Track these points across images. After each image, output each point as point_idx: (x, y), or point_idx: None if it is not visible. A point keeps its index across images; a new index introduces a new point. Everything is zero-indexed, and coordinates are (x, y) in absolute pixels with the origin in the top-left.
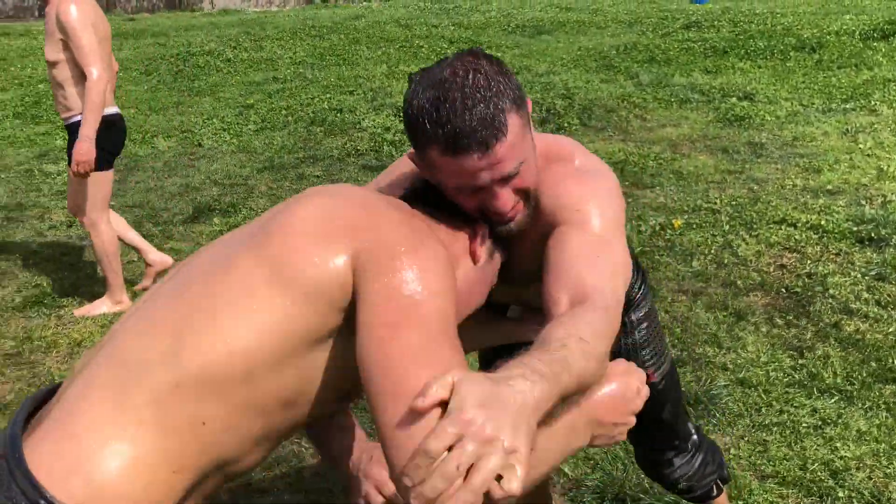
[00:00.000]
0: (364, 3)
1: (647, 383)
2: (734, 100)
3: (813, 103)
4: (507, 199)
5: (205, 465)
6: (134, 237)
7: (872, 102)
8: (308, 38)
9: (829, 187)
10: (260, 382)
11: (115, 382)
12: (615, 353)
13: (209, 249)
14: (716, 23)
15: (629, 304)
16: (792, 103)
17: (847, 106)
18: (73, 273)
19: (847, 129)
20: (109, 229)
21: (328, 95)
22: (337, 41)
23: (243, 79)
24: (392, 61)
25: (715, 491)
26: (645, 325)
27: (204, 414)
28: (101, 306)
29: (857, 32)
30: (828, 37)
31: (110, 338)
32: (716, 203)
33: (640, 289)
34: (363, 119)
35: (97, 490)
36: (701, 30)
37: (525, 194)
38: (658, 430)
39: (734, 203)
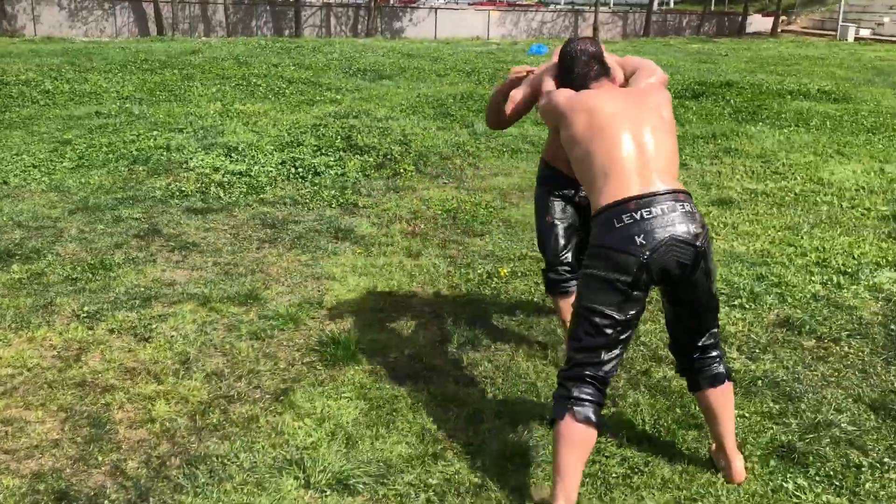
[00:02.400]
0: (203, 38)
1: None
2: None
3: None
4: None
5: None
6: None
7: (683, 157)
8: (139, 72)
9: None
10: None
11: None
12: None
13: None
14: None
15: None
16: None
17: None
18: None
19: None
20: None
21: (155, 133)
22: (170, 76)
23: (62, 112)
24: (227, 99)
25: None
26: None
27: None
28: None
29: (672, 91)
30: None
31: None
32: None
33: None
34: (191, 158)
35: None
36: None
37: None
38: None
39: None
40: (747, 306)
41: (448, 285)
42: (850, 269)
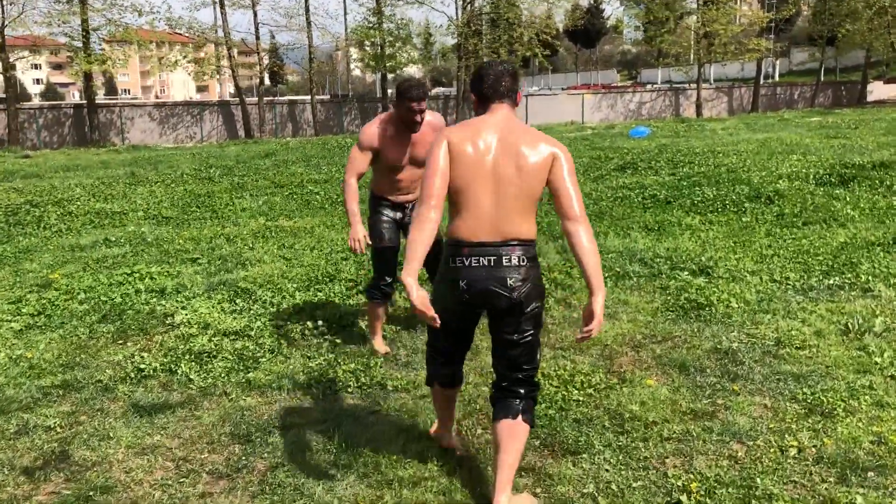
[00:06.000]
0: (289, 138)
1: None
2: (686, 275)
3: (787, 277)
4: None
5: None
6: None
7: (862, 277)
8: (193, 182)
9: (861, 456)
10: None
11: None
12: None
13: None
14: (653, 163)
15: None
16: (761, 279)
17: (831, 281)
18: None
19: (846, 325)
20: None
21: (155, 268)
22: (226, 185)
23: (68, 241)
24: (274, 212)
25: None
26: None
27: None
28: None
29: (811, 176)
30: (780, 182)
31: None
32: (681, 502)
33: None
34: (183, 307)
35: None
36: (637, 172)
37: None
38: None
39: (712, 500)
40: None
41: None
42: None
